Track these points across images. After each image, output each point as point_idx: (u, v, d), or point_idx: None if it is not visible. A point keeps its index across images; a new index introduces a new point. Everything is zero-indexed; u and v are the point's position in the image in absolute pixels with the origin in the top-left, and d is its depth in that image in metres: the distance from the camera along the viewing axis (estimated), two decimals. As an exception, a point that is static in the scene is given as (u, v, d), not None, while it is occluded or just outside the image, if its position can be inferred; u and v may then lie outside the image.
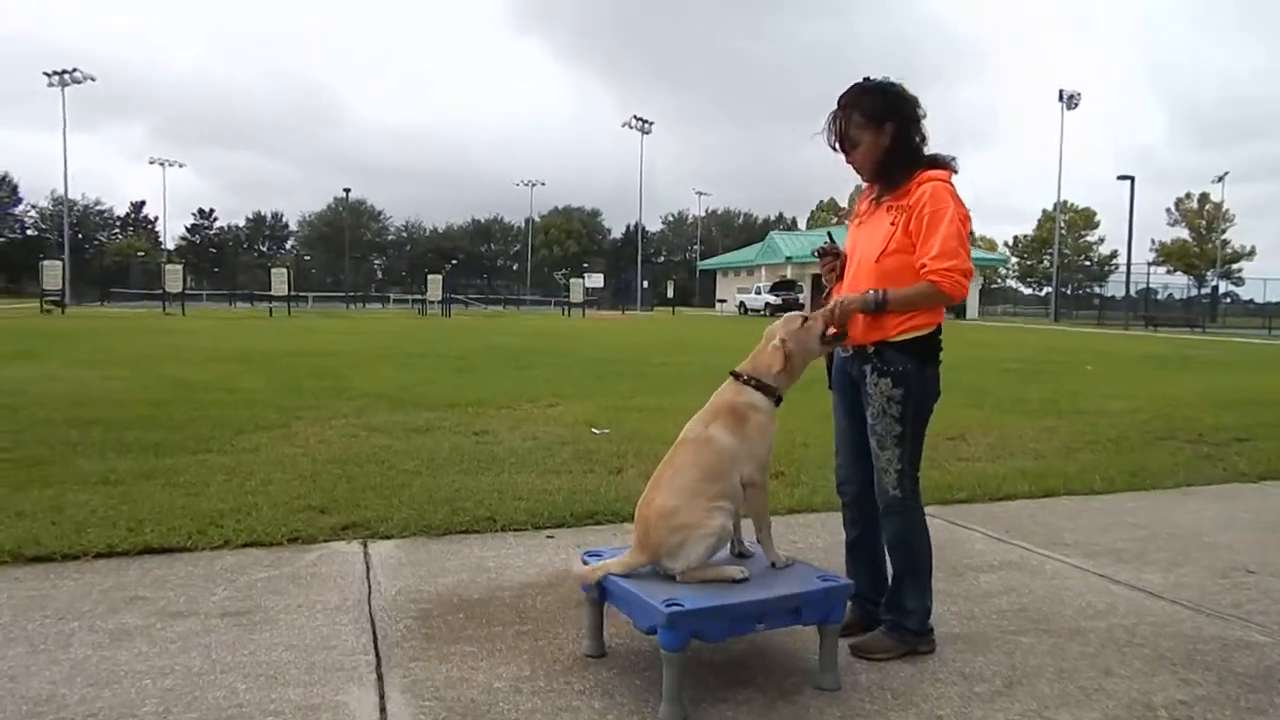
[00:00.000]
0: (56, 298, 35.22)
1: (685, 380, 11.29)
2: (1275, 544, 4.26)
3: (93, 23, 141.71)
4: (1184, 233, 77.40)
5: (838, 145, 2.82)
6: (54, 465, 5.18)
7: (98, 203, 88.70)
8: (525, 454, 5.92)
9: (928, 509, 2.96)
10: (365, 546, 3.88)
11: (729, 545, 2.79)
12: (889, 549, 2.88)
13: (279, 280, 37.87)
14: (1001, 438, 6.92)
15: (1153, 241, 77.80)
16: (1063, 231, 66.65)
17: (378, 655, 2.75)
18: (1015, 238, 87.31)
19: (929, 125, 2.81)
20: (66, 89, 52.16)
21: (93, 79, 53.81)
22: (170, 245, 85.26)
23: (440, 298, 41.30)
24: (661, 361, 14.33)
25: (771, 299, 49.06)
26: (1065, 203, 72.07)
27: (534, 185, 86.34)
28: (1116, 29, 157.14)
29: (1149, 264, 58.15)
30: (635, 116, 63.08)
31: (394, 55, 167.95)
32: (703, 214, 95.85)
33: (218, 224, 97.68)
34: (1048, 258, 73.65)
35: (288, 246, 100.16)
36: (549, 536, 4.13)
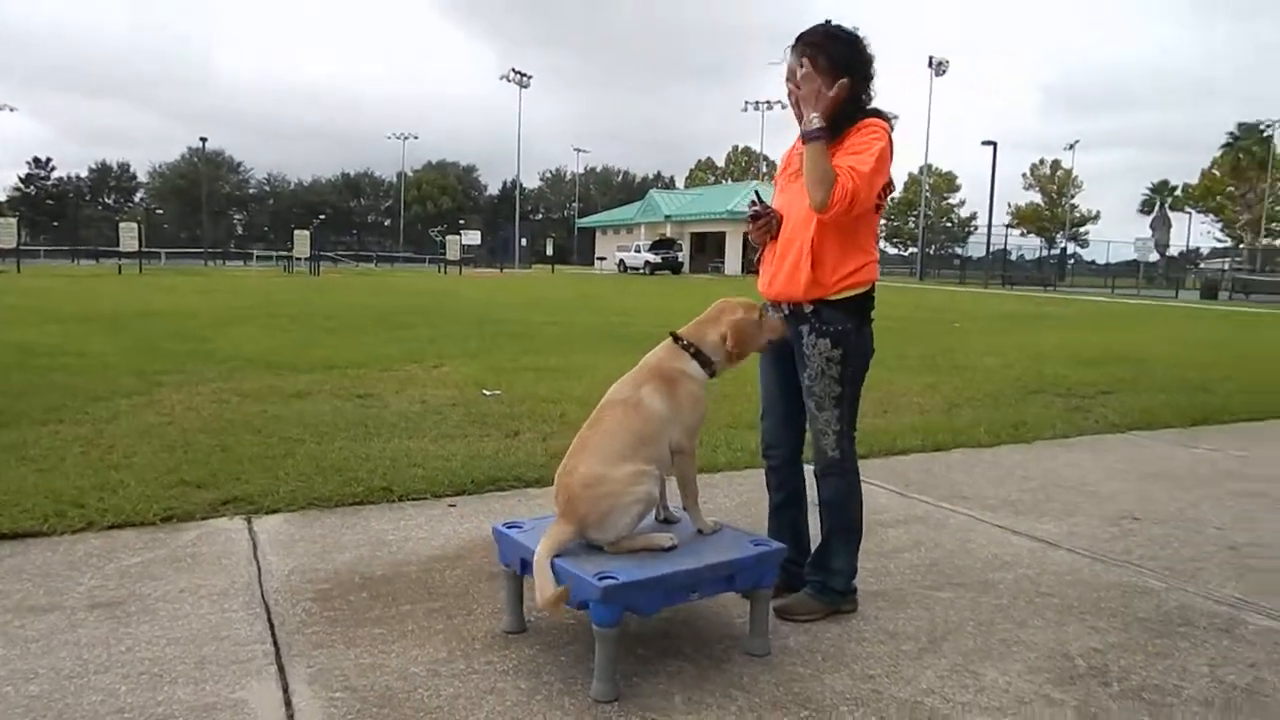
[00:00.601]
0: None
1: (573, 339, 11.13)
2: (1153, 492, 4.49)
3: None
4: (1037, 197, 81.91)
5: (795, 71, 2.70)
6: (-125, 441, 4.60)
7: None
8: (415, 418, 5.65)
9: (809, 463, 2.92)
10: (249, 523, 3.58)
11: (654, 512, 2.67)
12: (824, 509, 2.83)
13: (128, 235, 35.24)
14: (888, 394, 7.09)
15: (1009, 205, 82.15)
16: (927, 194, 69.26)
17: (276, 644, 2.51)
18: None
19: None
20: None
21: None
22: (1, 196, 78.21)
23: (308, 255, 39.49)
24: (546, 320, 14.09)
25: (652, 257, 49.20)
26: (930, 166, 74.92)
27: (406, 139, 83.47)
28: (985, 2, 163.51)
29: (1006, 226, 61.32)
30: (514, 70, 61.63)
31: (260, 2, 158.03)
32: (581, 171, 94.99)
33: (56, 174, 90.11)
34: (913, 219, 76.58)
35: (136, 199, 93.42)
36: (451, 505, 3.93)
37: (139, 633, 2.56)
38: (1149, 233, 45.19)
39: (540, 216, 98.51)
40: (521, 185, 76.20)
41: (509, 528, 2.62)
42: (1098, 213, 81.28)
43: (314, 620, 2.68)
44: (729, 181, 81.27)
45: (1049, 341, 12.66)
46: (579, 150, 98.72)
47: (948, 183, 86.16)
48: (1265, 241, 60.26)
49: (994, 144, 50.69)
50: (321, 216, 74.68)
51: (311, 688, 2.27)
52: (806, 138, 2.59)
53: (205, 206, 73.02)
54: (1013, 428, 5.99)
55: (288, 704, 2.20)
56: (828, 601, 2.81)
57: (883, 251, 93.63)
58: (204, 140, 78.16)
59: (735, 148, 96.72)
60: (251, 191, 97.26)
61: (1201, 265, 53.65)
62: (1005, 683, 2.41)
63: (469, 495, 4.09)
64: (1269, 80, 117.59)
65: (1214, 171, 68.84)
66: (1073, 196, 78.83)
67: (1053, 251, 66.97)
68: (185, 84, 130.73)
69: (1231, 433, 6.24)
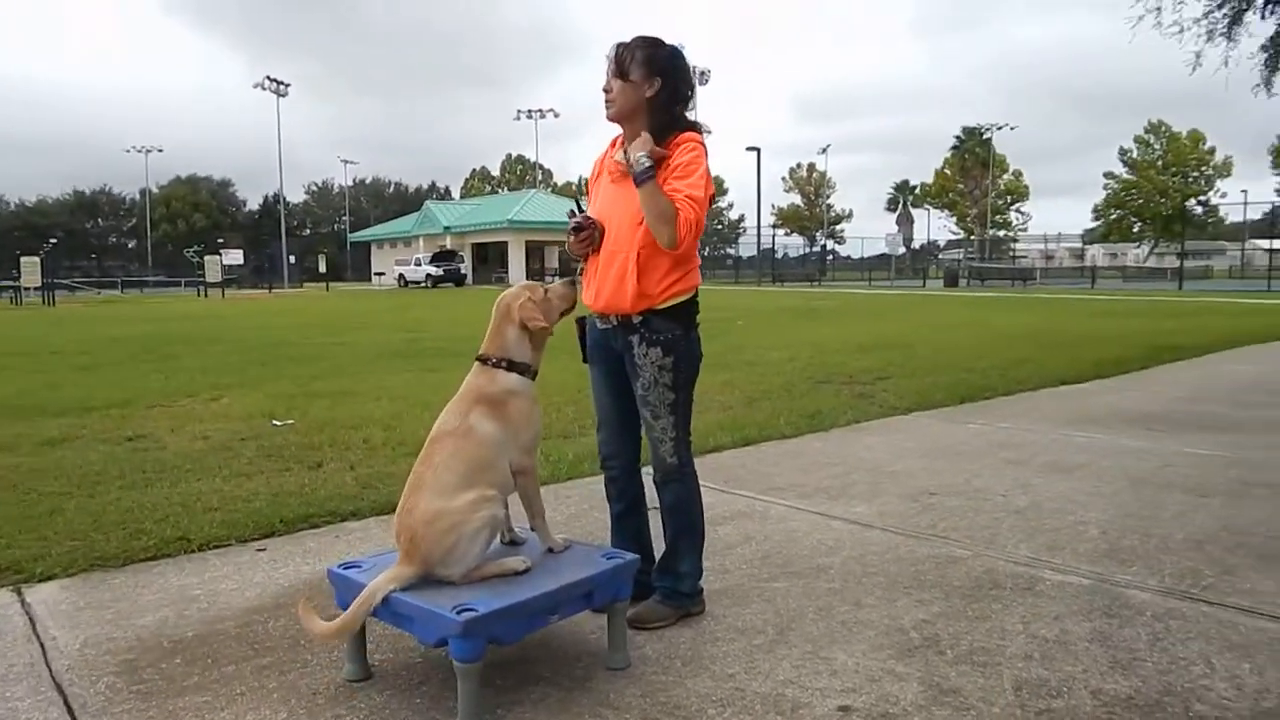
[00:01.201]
0: None
1: (362, 360, 10.64)
2: (942, 467, 4.88)
3: None
4: (797, 198, 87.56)
5: (611, 73, 2.69)
6: None
7: None
8: (200, 457, 5.17)
9: (647, 472, 2.95)
10: (20, 594, 3.11)
11: (499, 535, 2.58)
12: (667, 515, 2.84)
13: None
14: (692, 393, 7.30)
15: (773, 206, 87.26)
16: (698, 198, 71.96)
17: (79, 731, 2.19)
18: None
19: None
20: None
21: None
22: None
23: (39, 284, 35.23)
24: (330, 341, 13.37)
25: (433, 270, 48.04)
26: (698, 172, 77.94)
27: (149, 152, 76.54)
28: (737, 13, 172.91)
29: (772, 227, 65.11)
30: (268, 77, 57.96)
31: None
32: (350, 183, 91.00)
33: None
34: (686, 223, 79.24)
35: None
36: (260, 550, 3.61)
37: (-104, 743, 2.15)
38: (895, 228, 49.45)
39: (308, 232, 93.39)
40: (285, 199, 72.00)
41: (346, 568, 2.44)
42: (851, 211, 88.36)
43: (121, 698, 2.36)
44: (505, 191, 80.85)
45: (825, 333, 13.55)
46: (346, 161, 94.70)
47: (717, 186, 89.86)
48: (991, 233, 67.78)
49: (757, 149, 53.67)
50: (53, 240, 66.63)
51: (133, 777, 2.00)
52: (639, 180, 2.57)
53: (-99, 233, 63.43)
54: (809, 417, 6.33)
55: (106, 800, 1.92)
56: (677, 605, 2.83)
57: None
58: (-104, 157, 67.98)
59: (509, 156, 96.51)
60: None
61: (941, 256, 59.50)
62: (854, 664, 2.53)
63: (279, 536, 3.78)
64: (987, 87, 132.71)
65: (945, 171, 76.53)
66: (828, 197, 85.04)
67: (814, 249, 71.96)
68: None
69: (994, 407, 6.94)
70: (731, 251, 69.68)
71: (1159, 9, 9.18)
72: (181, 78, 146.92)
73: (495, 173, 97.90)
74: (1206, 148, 68.44)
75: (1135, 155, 70.16)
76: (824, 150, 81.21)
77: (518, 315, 2.58)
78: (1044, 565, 3.31)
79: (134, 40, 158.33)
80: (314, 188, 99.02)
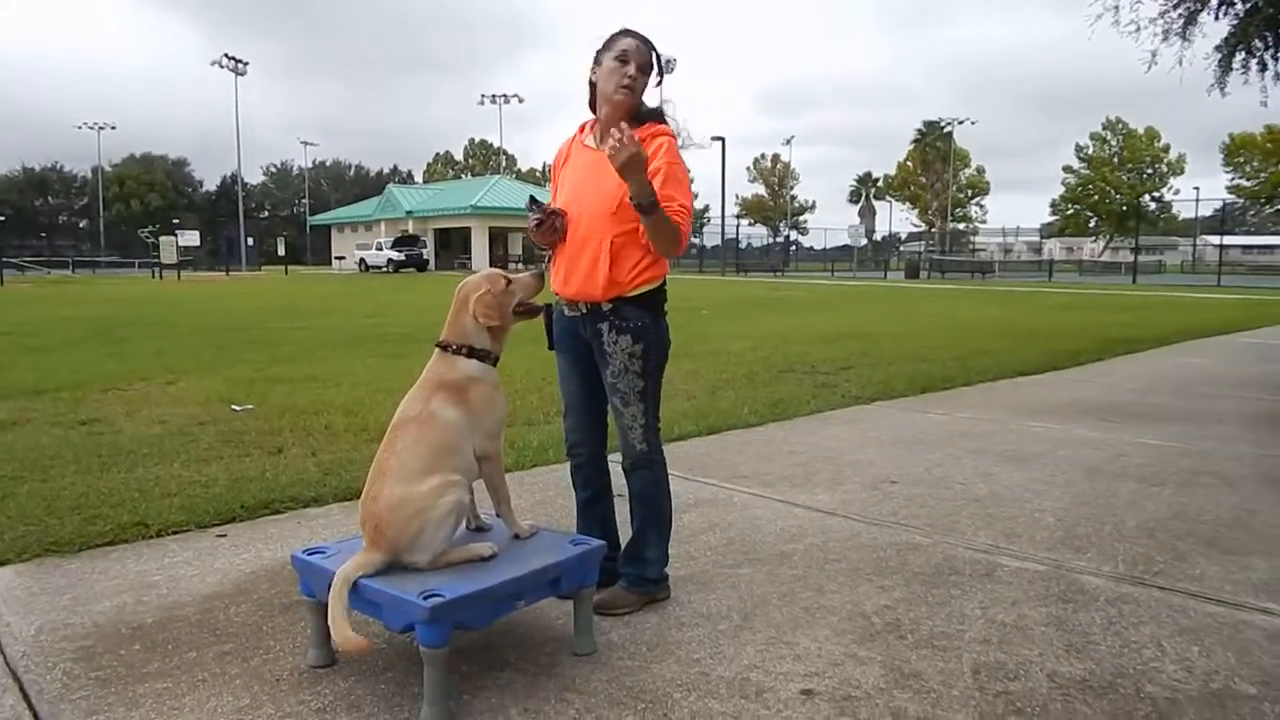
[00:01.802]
0: None
1: (323, 345, 10.50)
2: (904, 456, 4.95)
3: None
4: (761, 189, 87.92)
5: (640, 65, 2.69)
6: None
7: None
8: (158, 442, 5.08)
9: (613, 459, 2.96)
10: (-29, 580, 3.05)
11: (465, 521, 2.57)
12: (635, 502, 2.85)
13: None
14: (657, 381, 7.31)
15: (737, 197, 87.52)
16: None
17: (37, 719, 2.15)
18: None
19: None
20: None
21: None
22: None
23: (-11, 263, 34.32)
24: (290, 326, 13.18)
25: (395, 255, 47.49)
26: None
27: (102, 129, 74.77)
28: (703, 2, 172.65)
29: (736, 217, 65.29)
30: (226, 55, 56.81)
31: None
32: (310, 166, 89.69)
33: None
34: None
35: None
36: (220, 536, 3.56)
37: None
38: (858, 220, 49.94)
39: (267, 214, 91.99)
40: (243, 180, 70.78)
41: (310, 554, 2.42)
42: (814, 202, 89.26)
43: (80, 684, 2.32)
44: (469, 176, 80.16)
45: (788, 323, 13.65)
46: (306, 143, 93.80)
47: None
48: (951, 226, 68.67)
49: (722, 139, 53.69)
50: (0, 219, 64.85)
51: (91, 764, 1.97)
52: (646, 210, 2.53)
53: None
54: (773, 406, 6.38)
55: (64, 788, 1.89)
56: (644, 592, 2.85)
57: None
58: None
59: (473, 141, 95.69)
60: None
61: (902, 249, 60.17)
62: (817, 648, 2.56)
63: (239, 522, 3.73)
64: (949, 82, 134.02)
65: (907, 164, 77.29)
66: (792, 188, 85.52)
67: (778, 240, 72.36)
68: None
69: (954, 397, 7.05)
70: (696, 241, 69.73)
71: (1117, 7, 9.36)
72: (136, 53, 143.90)
73: (459, 158, 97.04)
74: (1161, 145, 69.92)
75: (1092, 151, 71.46)
76: (788, 141, 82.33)
77: (472, 306, 2.56)
78: (1002, 552, 3.37)
79: (85, 11, 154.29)
80: (273, 169, 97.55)
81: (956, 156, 70.06)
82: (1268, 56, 9.03)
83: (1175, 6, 9.02)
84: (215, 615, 2.77)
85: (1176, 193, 69.67)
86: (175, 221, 59.68)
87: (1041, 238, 73.30)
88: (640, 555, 2.85)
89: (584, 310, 2.75)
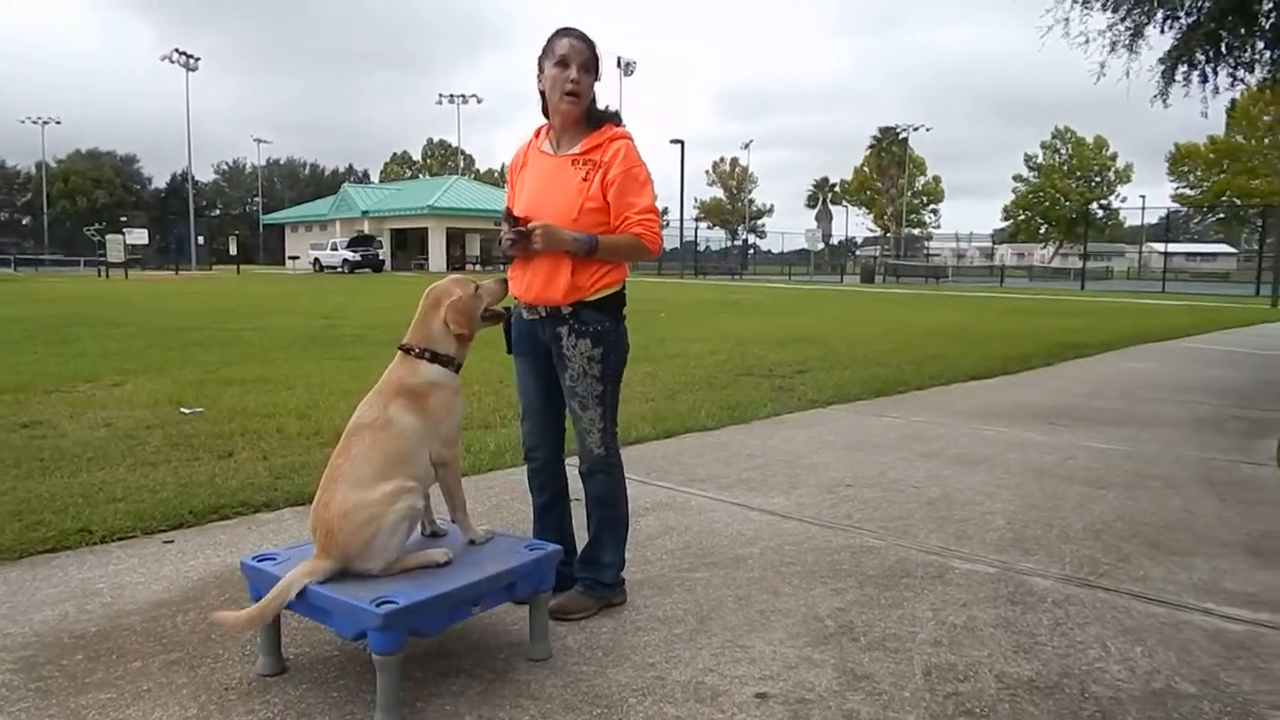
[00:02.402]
0: None
1: (276, 347, 10.33)
2: (859, 459, 5.01)
3: None
4: (720, 192, 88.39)
5: (582, 67, 2.68)
6: None
7: None
8: (102, 445, 4.95)
9: (570, 463, 2.96)
10: (-96, 589, 2.95)
11: (420, 527, 2.55)
12: (592, 505, 2.85)
13: None
14: (615, 384, 7.31)
15: (695, 200, 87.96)
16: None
17: (-28, 733, 2.09)
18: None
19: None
20: None
21: None
22: None
23: (-75, 260, 33.27)
24: (241, 327, 12.94)
25: (350, 255, 46.92)
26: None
27: (46, 123, 72.79)
28: (662, 5, 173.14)
29: (695, 220, 65.56)
30: (177, 50, 55.64)
31: None
32: (263, 164, 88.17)
33: None
34: (610, 214, 79.35)
35: None
36: (168, 542, 3.48)
37: None
38: (815, 224, 50.43)
39: (218, 213, 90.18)
40: (194, 178, 69.40)
41: (260, 560, 2.38)
42: (772, 206, 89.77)
43: (19, 695, 2.25)
44: (427, 176, 79.47)
45: (745, 327, 13.73)
46: (259, 141, 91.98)
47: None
48: (906, 231, 69.63)
49: (681, 142, 53.85)
50: (-62, 214, 62.81)
51: (30, 779, 1.92)
52: (592, 253, 2.62)
53: None
54: (730, 409, 6.42)
55: (1, 804, 1.84)
56: (600, 596, 2.84)
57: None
58: None
59: (431, 141, 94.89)
60: None
61: (858, 253, 60.87)
62: (772, 651, 2.58)
63: (188, 528, 3.66)
64: (905, 89, 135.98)
65: (864, 169, 78.25)
66: (750, 192, 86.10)
67: (735, 243, 72.79)
68: None
69: (908, 401, 7.14)
70: (655, 243, 69.88)
71: (1067, 20, 9.58)
72: (83, 46, 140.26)
73: (416, 157, 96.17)
74: (1109, 154, 71.69)
75: (1042, 159, 72.99)
76: (746, 145, 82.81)
77: (444, 313, 2.54)
78: (953, 554, 3.43)
79: (29, 2, 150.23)
80: (225, 167, 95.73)
81: (912, 162, 71.10)
82: (1209, 69, 9.32)
83: (1123, 20, 9.27)
84: (162, 623, 2.71)
85: (1124, 200, 71.64)
86: (123, 219, 58.27)
87: (994, 243, 74.66)
88: (597, 559, 2.85)
89: (543, 314, 2.74)
